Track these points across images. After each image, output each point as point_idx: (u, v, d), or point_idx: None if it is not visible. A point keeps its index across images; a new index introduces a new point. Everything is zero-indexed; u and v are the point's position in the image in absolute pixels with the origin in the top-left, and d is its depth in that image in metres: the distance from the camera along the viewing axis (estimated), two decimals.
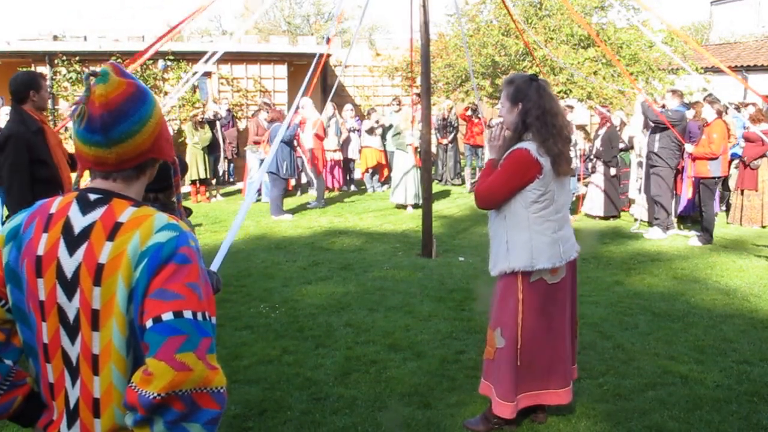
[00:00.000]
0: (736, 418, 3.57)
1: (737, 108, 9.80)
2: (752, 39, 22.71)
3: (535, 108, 3.06)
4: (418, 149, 10.97)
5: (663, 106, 8.56)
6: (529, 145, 3.06)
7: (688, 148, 7.83)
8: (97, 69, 1.45)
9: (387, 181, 12.72)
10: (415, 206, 10.11)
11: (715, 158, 7.69)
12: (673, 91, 8.35)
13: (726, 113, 8.05)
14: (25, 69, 4.37)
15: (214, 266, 3.17)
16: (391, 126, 10.73)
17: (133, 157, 1.47)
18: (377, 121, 11.88)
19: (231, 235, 3.70)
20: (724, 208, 9.82)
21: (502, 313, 3.21)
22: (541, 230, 3.11)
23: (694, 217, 8.86)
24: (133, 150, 1.46)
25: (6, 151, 4.02)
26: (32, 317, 1.46)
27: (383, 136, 11.79)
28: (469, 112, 12.76)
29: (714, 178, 7.81)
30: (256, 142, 10.85)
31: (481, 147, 12.41)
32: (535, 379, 3.23)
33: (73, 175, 2.32)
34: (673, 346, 4.61)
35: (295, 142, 10.17)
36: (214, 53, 7.06)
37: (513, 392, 3.19)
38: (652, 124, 8.06)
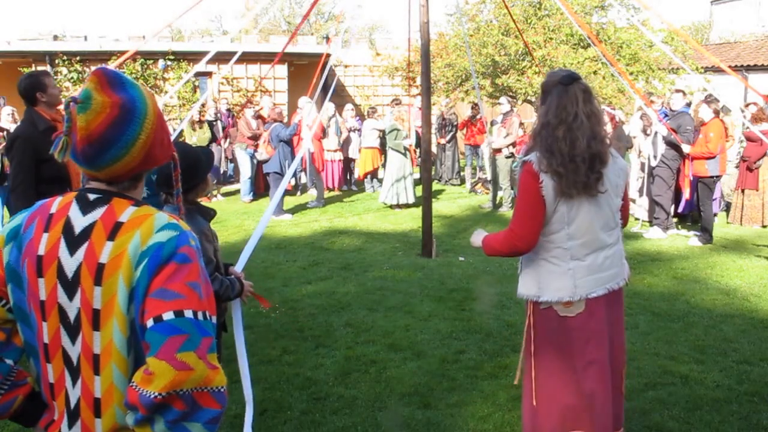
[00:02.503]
0: (736, 418, 3.57)
1: (741, 110, 9.79)
2: (752, 39, 22.73)
3: (543, 115, 2.64)
4: (416, 151, 10.95)
5: (663, 105, 8.55)
6: (533, 157, 2.60)
7: (685, 148, 7.83)
8: (77, 94, 1.41)
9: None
10: (405, 206, 10.12)
11: (712, 157, 7.70)
12: (684, 93, 8.35)
13: (723, 112, 8.04)
14: (27, 70, 4.45)
15: (238, 267, 3.18)
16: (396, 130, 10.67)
17: (124, 173, 1.46)
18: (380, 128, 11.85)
19: (255, 237, 3.63)
20: (723, 207, 9.81)
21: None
22: (549, 257, 2.64)
23: (694, 217, 8.86)
24: (123, 168, 1.45)
25: (13, 151, 4.13)
26: (33, 317, 1.46)
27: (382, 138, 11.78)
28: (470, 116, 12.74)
29: (712, 177, 7.82)
30: (253, 137, 10.83)
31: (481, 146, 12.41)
32: (554, 424, 2.67)
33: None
34: (673, 346, 4.61)
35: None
36: (236, 53, 7.12)
37: None
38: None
